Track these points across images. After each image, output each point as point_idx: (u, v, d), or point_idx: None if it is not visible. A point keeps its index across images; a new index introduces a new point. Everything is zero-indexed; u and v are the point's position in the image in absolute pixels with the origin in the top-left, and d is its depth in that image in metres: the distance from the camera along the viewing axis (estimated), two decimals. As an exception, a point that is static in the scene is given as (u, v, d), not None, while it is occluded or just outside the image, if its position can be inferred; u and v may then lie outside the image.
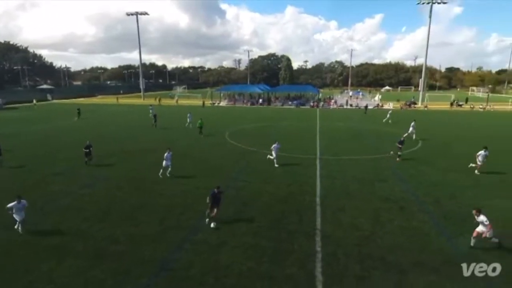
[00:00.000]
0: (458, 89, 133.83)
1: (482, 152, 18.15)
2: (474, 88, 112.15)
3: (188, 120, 35.68)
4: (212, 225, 11.64)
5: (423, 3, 66.02)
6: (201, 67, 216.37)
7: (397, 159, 21.31)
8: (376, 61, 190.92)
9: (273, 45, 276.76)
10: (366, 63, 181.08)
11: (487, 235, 10.09)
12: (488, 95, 73.99)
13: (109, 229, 11.65)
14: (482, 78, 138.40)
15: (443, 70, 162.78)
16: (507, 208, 13.51)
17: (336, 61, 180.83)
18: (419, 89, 76.16)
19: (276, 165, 19.52)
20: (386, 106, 62.22)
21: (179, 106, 63.65)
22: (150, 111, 40.73)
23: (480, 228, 10.23)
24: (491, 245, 10.28)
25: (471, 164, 18.63)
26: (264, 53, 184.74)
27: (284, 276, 8.98)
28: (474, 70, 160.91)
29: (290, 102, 67.62)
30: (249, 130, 34.52)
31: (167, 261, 9.70)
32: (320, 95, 73.40)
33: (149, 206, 13.79)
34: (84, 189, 15.81)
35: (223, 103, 70.31)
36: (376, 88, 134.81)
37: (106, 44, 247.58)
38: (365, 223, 12.19)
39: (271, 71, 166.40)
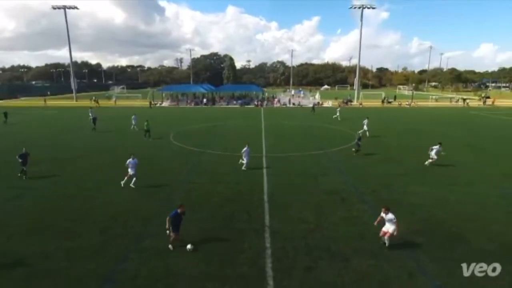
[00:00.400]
0: (388, 87, 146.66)
1: (437, 147, 19.50)
2: (401, 86, 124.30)
3: (133, 122, 33.77)
4: (188, 247, 10.12)
5: (355, 8, 71.11)
6: (140, 66, 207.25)
7: (353, 149, 23.15)
8: (315, 61, 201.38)
9: (216, 45, 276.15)
10: (306, 63, 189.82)
11: (395, 233, 10.11)
12: (413, 93, 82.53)
13: (40, 245, 10.55)
14: (407, 78, 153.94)
15: (374, 70, 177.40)
16: (431, 193, 15.22)
17: (278, 61, 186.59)
18: (354, 87, 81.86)
19: (243, 168, 18.86)
20: (325, 104, 65.82)
21: (119, 108, 60.06)
22: (90, 114, 37.34)
23: (386, 227, 10.30)
24: (414, 228, 11.45)
25: (427, 162, 19.73)
26: (206, 52, 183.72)
27: (236, 275, 9.01)
28: (400, 70, 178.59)
29: (234, 102, 67.89)
30: (194, 131, 33.87)
31: (111, 274, 9.11)
32: (266, 94, 74.93)
33: (88, 216, 12.79)
34: (9, 203, 14.13)
35: (165, 104, 68.03)
36: (316, 87, 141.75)
37: (29, 40, 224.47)
38: (311, 216, 12.76)
39: (214, 70, 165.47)
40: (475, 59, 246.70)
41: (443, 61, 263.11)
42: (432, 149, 19.55)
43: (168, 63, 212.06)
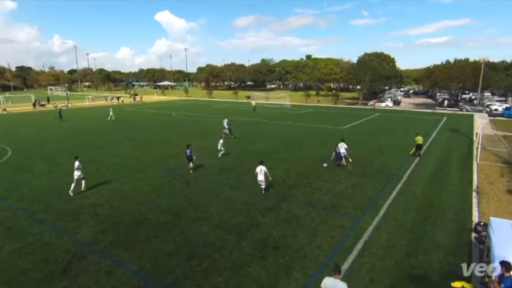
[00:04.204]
0: (37, 89, 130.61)
1: (76, 163, 15.92)
2: (52, 87, 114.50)
3: None
4: None
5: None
6: None
7: None
8: None
9: None
10: None
11: None
12: (67, 93, 78.96)
13: None
14: (57, 78, 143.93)
15: (14, 69, 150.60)
16: (107, 188, 15.72)
17: None
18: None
19: None
20: None
21: None
22: None
23: None
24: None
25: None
26: None
27: None
28: (47, 69, 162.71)
29: None
30: None
31: None
32: None
33: None
34: None
35: None
36: None
37: None
38: (-38, 268, 9.22)
39: None
40: (118, 60, 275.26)
41: (91, 62, 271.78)
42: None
43: None
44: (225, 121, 30.63)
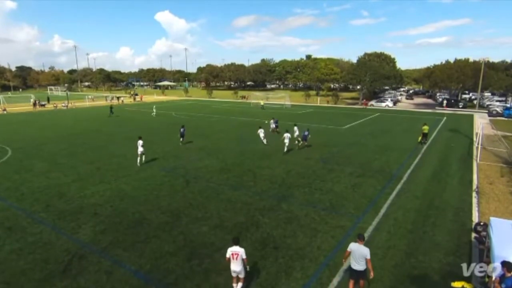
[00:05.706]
0: (37, 89, 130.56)
1: (140, 141, 19.58)
2: (52, 87, 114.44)
3: None
4: None
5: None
6: None
7: None
8: None
9: None
10: None
11: None
12: (67, 93, 78.98)
13: None
14: (57, 78, 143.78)
15: (14, 69, 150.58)
16: (109, 190, 15.72)
17: None
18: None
19: None
20: None
21: None
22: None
23: None
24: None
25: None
26: None
27: None
28: (47, 69, 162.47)
29: None
30: None
31: None
32: None
33: None
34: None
35: None
36: None
37: None
38: (-38, 268, 9.22)
39: None
40: (118, 60, 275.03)
41: (91, 62, 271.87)
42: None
43: None
44: (272, 121, 33.43)
